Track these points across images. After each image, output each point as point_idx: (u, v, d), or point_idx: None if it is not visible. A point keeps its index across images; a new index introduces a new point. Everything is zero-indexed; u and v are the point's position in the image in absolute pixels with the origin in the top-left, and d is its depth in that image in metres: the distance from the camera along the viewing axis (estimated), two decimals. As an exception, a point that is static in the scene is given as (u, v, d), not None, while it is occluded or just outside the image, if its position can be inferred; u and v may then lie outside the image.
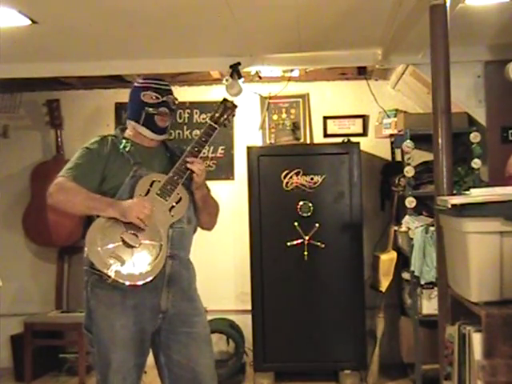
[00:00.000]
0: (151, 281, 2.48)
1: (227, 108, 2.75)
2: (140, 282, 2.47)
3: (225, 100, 2.79)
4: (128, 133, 2.73)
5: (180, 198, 2.60)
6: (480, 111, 4.17)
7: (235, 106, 2.78)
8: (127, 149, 2.64)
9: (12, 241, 5.15)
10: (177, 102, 2.76)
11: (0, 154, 5.17)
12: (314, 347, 4.50)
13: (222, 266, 5.08)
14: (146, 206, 2.48)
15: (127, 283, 2.45)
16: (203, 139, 2.67)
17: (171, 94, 2.74)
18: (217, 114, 2.73)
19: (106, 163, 2.60)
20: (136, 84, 2.76)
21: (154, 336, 2.62)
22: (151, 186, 2.57)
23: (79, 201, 2.53)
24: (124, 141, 2.66)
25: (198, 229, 2.80)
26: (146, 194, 2.55)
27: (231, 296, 5.08)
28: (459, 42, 3.19)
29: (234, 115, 2.77)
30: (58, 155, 5.06)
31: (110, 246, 2.47)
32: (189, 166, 2.60)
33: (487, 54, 4.07)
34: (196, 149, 2.65)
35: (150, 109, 2.66)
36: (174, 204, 2.59)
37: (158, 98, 2.67)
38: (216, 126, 2.71)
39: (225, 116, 2.74)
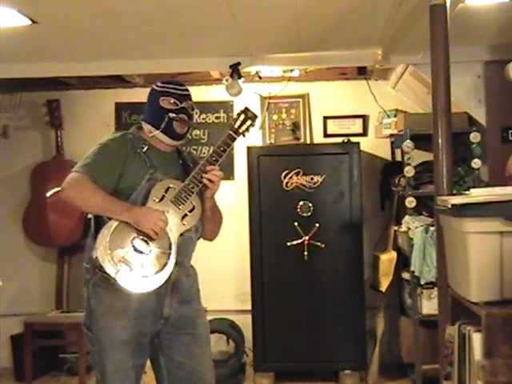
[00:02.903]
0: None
1: (248, 118, 2.68)
2: (146, 290, 2.45)
3: (246, 109, 2.71)
4: (145, 133, 2.68)
5: (193, 207, 2.57)
6: (480, 111, 4.17)
7: (256, 116, 2.70)
8: (144, 150, 2.60)
9: (12, 241, 5.15)
10: (195, 108, 2.72)
11: (0, 153, 5.17)
12: (313, 347, 4.50)
13: (222, 266, 5.08)
14: (163, 218, 2.45)
15: (134, 290, 2.44)
16: (222, 149, 2.62)
17: (190, 99, 2.70)
18: (237, 124, 2.66)
19: (123, 162, 2.55)
20: (155, 87, 2.70)
21: (153, 338, 2.61)
22: (166, 192, 2.53)
23: (95, 201, 2.48)
24: (141, 142, 2.62)
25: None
26: (161, 200, 2.52)
27: (231, 296, 5.08)
28: (459, 42, 3.18)
29: (254, 125, 2.70)
30: (57, 155, 5.05)
31: (120, 250, 2.44)
32: (206, 175, 2.55)
33: (487, 53, 4.07)
34: (214, 158, 2.60)
35: (171, 115, 2.61)
36: (187, 213, 2.55)
37: (176, 104, 2.63)
38: (236, 136, 2.65)
39: (245, 126, 2.67)
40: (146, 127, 2.68)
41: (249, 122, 2.68)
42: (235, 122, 2.67)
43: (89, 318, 2.58)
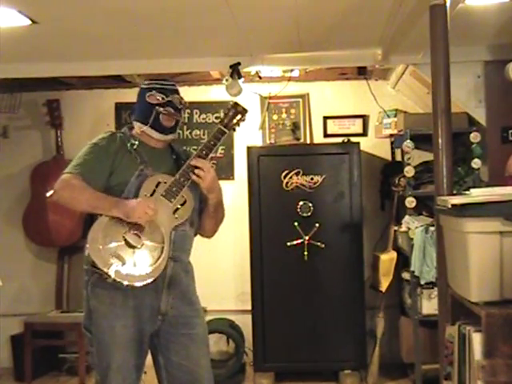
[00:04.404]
0: (152, 282, 2.48)
1: (238, 112, 2.71)
2: (139, 284, 2.46)
3: (235, 104, 2.74)
4: (136, 131, 2.72)
5: (185, 201, 2.59)
6: (480, 111, 4.17)
7: (246, 111, 2.73)
8: (134, 147, 2.63)
9: (12, 241, 5.15)
10: (183, 102, 2.74)
11: (0, 153, 5.17)
12: (313, 347, 4.50)
13: (222, 266, 5.08)
14: (151, 206, 2.47)
15: (125, 283, 2.45)
16: (212, 143, 2.64)
17: (177, 93, 2.72)
18: (227, 118, 2.69)
19: (113, 159, 2.59)
20: (142, 85, 2.75)
21: (153, 338, 2.62)
22: (157, 186, 2.56)
23: (84, 199, 2.52)
24: (132, 139, 2.66)
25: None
26: (152, 195, 2.55)
27: (231, 296, 5.08)
28: (459, 42, 3.19)
29: (244, 120, 2.72)
30: (57, 155, 5.06)
31: (112, 245, 2.46)
32: (193, 162, 2.58)
33: (487, 53, 4.07)
34: (204, 152, 2.62)
35: (156, 109, 2.64)
36: (179, 206, 2.57)
37: (163, 98, 2.66)
38: (226, 130, 2.68)
39: (235, 120, 2.70)
40: (137, 125, 2.72)
41: (239, 117, 2.71)
42: (225, 117, 2.70)
43: (88, 318, 2.58)
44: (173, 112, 2.67)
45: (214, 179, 2.64)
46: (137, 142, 2.64)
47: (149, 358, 2.66)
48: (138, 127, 2.71)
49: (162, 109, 2.65)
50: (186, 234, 2.64)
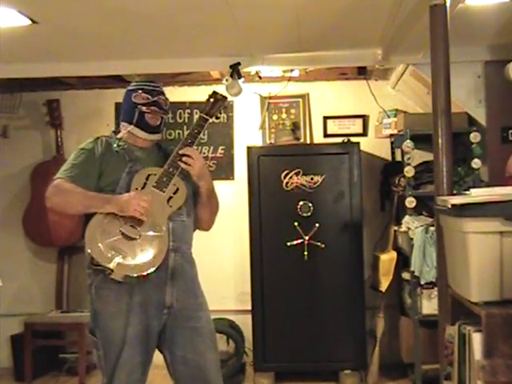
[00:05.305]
0: (155, 271, 2.48)
1: (217, 100, 2.82)
2: (149, 271, 2.46)
3: (214, 93, 2.85)
4: (121, 134, 2.75)
5: (177, 189, 2.63)
6: (480, 111, 4.17)
7: (225, 98, 2.84)
8: (121, 147, 2.67)
9: (12, 241, 5.15)
10: (168, 103, 2.80)
11: (0, 153, 5.17)
12: (313, 347, 4.50)
13: (222, 266, 5.08)
14: (144, 198, 2.50)
15: (135, 275, 2.45)
16: (196, 131, 2.72)
17: (162, 95, 2.78)
18: (208, 107, 2.80)
19: (101, 161, 2.63)
20: (128, 88, 2.81)
21: (160, 333, 2.61)
22: (147, 179, 2.60)
23: (76, 201, 2.55)
24: (117, 140, 2.70)
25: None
26: (143, 188, 2.58)
27: (231, 296, 5.08)
28: (459, 41, 3.19)
29: (225, 106, 2.84)
30: (57, 155, 5.06)
31: (110, 240, 2.48)
32: (181, 151, 2.63)
33: (487, 53, 4.08)
34: (190, 140, 2.69)
35: (141, 108, 2.69)
36: (172, 195, 2.61)
37: (148, 98, 2.71)
38: (208, 117, 2.77)
39: (215, 108, 2.80)
40: (123, 127, 2.76)
41: (219, 104, 2.82)
42: (206, 106, 2.80)
43: (94, 321, 2.58)
44: (157, 110, 2.72)
45: (203, 166, 2.69)
46: (123, 143, 2.69)
47: (155, 357, 2.64)
48: (124, 128, 2.75)
49: (144, 108, 2.70)
50: (185, 224, 2.66)
